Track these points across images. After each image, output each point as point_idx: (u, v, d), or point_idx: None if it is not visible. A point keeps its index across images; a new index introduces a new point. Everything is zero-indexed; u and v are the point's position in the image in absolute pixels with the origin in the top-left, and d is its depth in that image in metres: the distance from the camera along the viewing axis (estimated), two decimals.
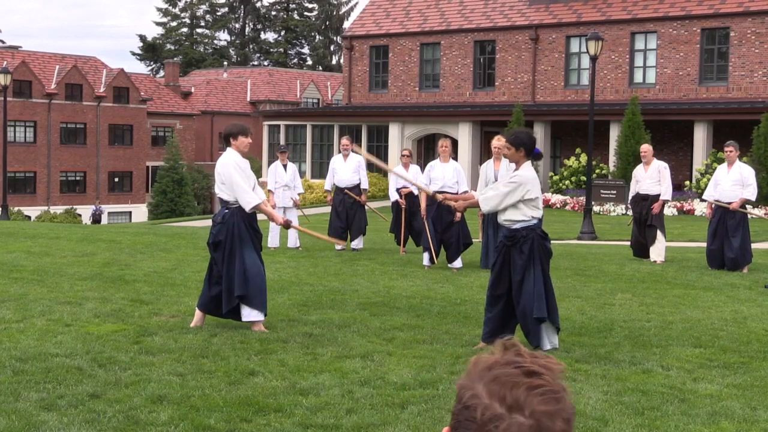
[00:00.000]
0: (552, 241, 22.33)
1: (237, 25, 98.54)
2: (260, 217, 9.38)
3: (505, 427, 1.62)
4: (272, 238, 17.22)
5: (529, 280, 8.10)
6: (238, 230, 8.90)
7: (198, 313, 9.11)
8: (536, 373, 1.67)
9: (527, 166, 8.25)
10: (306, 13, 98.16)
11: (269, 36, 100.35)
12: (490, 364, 1.70)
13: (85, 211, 55.12)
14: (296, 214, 17.51)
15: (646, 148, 15.59)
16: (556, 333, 8.26)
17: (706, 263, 14.92)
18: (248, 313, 8.88)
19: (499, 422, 1.62)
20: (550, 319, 8.15)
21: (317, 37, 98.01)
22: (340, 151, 17.44)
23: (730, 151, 14.84)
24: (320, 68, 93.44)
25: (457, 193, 14.27)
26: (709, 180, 17.87)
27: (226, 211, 9.00)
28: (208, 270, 9.18)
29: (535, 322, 8.07)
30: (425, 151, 41.32)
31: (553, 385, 1.67)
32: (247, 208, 8.92)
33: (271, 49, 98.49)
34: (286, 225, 9.69)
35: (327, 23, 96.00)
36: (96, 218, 52.94)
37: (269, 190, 17.26)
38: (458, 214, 14.16)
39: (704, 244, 15.59)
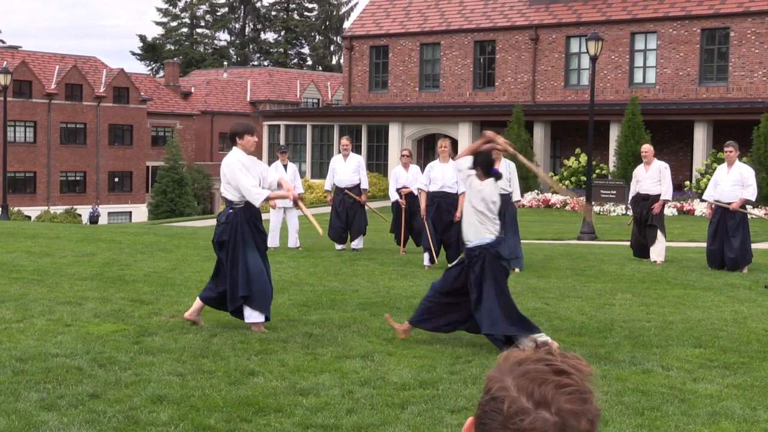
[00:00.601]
0: (552, 241, 22.14)
1: (237, 25, 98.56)
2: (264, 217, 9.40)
3: (530, 422, 1.64)
4: (272, 238, 17.19)
5: (483, 297, 8.26)
6: (242, 231, 8.90)
7: (197, 303, 9.08)
8: (566, 372, 1.70)
9: (489, 182, 8.51)
10: (306, 13, 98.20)
11: (269, 36, 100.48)
12: (520, 359, 1.73)
13: (85, 212, 55.15)
14: (296, 214, 17.51)
15: (647, 148, 15.59)
16: (534, 332, 8.26)
17: (706, 263, 14.91)
18: (249, 314, 8.88)
19: (524, 416, 1.65)
20: (524, 331, 8.17)
21: (317, 37, 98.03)
22: (339, 151, 17.43)
23: (730, 152, 14.84)
24: (320, 68, 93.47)
25: (456, 194, 14.29)
26: (709, 180, 17.88)
27: (230, 211, 8.99)
28: (216, 267, 9.23)
29: (492, 338, 8.22)
30: (425, 151, 41.34)
31: (580, 385, 1.70)
32: (258, 203, 8.90)
33: (271, 49, 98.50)
34: (295, 202, 9.63)
35: (327, 23, 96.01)
36: (93, 220, 52.97)
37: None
38: (458, 214, 14.17)
39: (704, 245, 15.59)
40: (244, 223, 8.92)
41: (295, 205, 9.95)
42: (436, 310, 8.52)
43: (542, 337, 8.19)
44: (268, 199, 9.07)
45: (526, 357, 1.73)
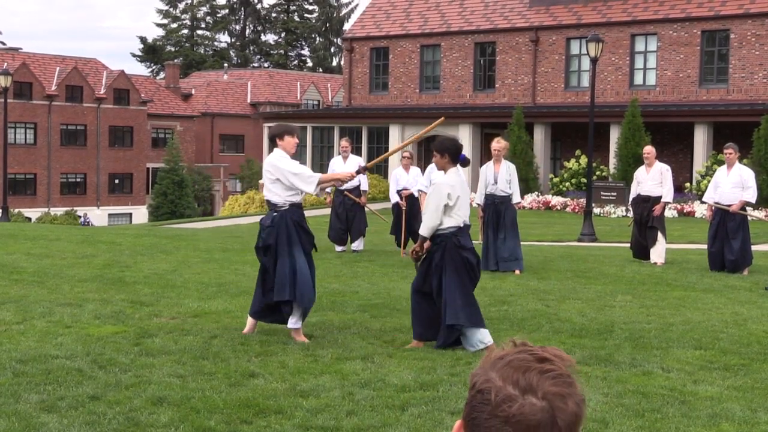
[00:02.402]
0: (552, 243, 22.05)
1: (237, 27, 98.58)
2: None
3: (518, 407, 1.68)
4: None
5: (443, 287, 8.25)
6: (288, 233, 8.63)
7: (250, 320, 8.87)
8: (548, 359, 1.74)
9: (451, 172, 8.40)
10: (306, 15, 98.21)
11: (269, 38, 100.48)
12: (502, 354, 1.78)
13: (84, 214, 55.13)
14: None
15: (648, 149, 15.59)
16: (484, 331, 8.30)
17: (708, 266, 14.89)
18: (295, 321, 8.64)
19: (512, 403, 1.68)
20: (471, 324, 8.22)
21: (317, 38, 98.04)
22: (339, 153, 17.43)
23: (730, 153, 14.84)
24: (320, 70, 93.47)
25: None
26: (709, 182, 17.89)
27: (275, 214, 8.72)
28: (260, 276, 8.90)
29: (446, 329, 8.21)
30: (425, 152, 41.33)
31: (563, 370, 1.74)
32: (312, 190, 8.63)
33: (272, 51, 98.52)
34: (359, 172, 9.35)
35: (327, 25, 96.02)
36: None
37: None
38: None
39: (704, 246, 15.58)
40: (291, 225, 8.66)
41: (359, 172, 9.49)
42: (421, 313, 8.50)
43: (487, 337, 8.25)
44: (320, 185, 8.77)
45: (507, 351, 1.77)
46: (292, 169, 8.63)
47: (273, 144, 8.94)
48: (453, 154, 8.35)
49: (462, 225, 8.37)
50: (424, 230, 8.36)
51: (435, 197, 8.28)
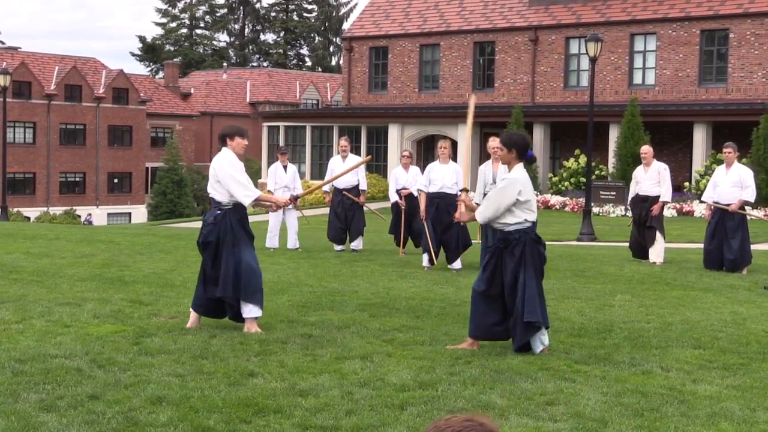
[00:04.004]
0: (551, 243, 22.14)
1: (236, 26, 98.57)
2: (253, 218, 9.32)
3: (445, 421, 2.05)
4: (270, 239, 17.23)
5: (521, 283, 8.05)
6: (232, 231, 8.83)
7: (193, 314, 9.06)
8: (474, 420, 2.16)
9: (518, 168, 8.23)
10: (305, 14, 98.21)
11: (268, 37, 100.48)
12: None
13: (85, 213, 55.10)
14: (296, 215, 17.53)
15: (646, 149, 15.60)
16: (546, 332, 8.21)
17: (703, 264, 14.90)
18: (249, 310, 8.82)
19: (439, 421, 2.07)
20: (545, 323, 8.13)
21: (317, 38, 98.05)
22: (339, 152, 17.44)
23: (729, 153, 14.85)
24: (320, 69, 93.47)
25: (456, 195, 14.28)
26: (708, 181, 17.90)
27: (219, 212, 8.92)
28: (201, 271, 9.10)
29: (524, 326, 8.01)
30: (425, 152, 41.35)
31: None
32: (247, 202, 8.84)
33: (271, 50, 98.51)
34: (292, 200, 9.80)
35: (326, 24, 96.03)
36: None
37: (269, 191, 17.26)
38: (457, 215, 14.15)
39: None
40: (235, 224, 8.86)
41: (292, 201, 10.03)
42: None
43: (546, 338, 8.18)
44: (257, 202, 9.08)
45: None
46: (236, 176, 8.84)
47: (223, 143, 9.15)
48: (521, 150, 8.16)
49: (535, 219, 8.27)
50: (481, 218, 8.20)
51: (502, 193, 8.08)
